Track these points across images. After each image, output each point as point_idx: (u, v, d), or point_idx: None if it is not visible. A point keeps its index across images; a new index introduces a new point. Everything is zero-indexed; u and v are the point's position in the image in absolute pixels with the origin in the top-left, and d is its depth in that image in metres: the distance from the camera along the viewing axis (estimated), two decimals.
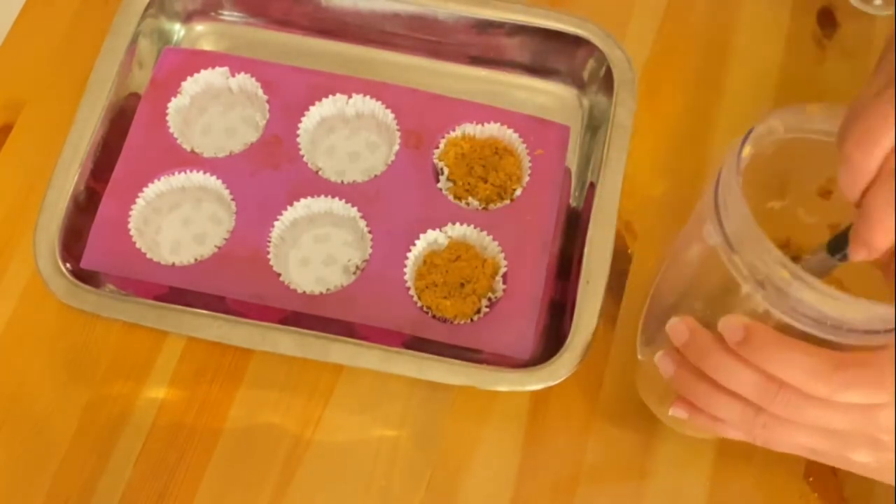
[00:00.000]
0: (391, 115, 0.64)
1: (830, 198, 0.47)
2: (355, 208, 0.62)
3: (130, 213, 0.61)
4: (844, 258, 0.43)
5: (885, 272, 0.46)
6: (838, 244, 0.43)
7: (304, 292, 0.59)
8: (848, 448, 0.44)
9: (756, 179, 0.43)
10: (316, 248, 0.63)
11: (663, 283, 0.53)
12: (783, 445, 0.45)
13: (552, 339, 0.59)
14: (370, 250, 0.61)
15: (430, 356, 0.57)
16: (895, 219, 0.39)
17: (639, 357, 0.56)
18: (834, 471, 0.57)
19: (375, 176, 0.63)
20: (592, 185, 0.63)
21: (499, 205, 0.63)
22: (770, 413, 0.43)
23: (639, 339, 0.56)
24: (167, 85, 0.65)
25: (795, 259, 0.45)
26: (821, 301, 0.39)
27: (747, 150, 0.43)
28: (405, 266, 0.60)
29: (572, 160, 0.66)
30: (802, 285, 0.39)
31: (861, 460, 0.44)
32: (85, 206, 0.61)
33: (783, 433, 0.44)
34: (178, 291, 0.60)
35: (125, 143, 0.63)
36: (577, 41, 0.66)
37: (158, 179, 0.62)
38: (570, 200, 0.65)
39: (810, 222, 0.48)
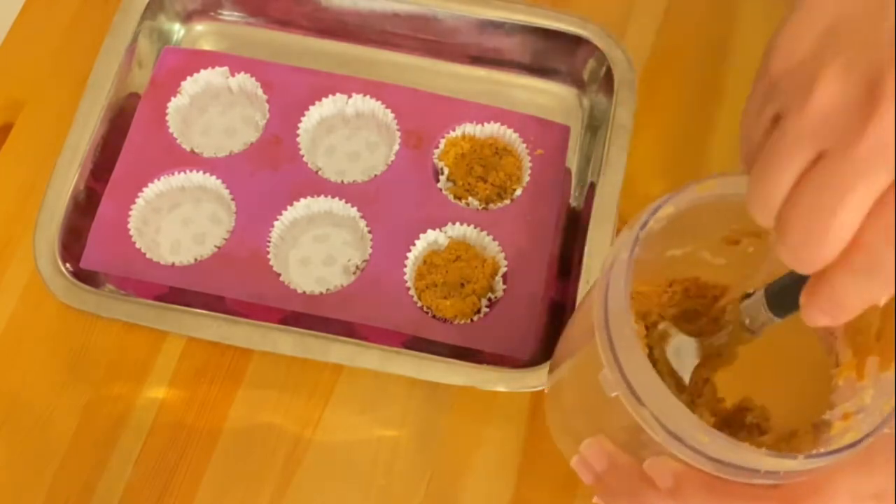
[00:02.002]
0: (391, 115, 0.64)
1: (739, 245, 0.42)
2: (355, 208, 0.62)
3: (130, 212, 0.61)
4: (787, 315, 0.38)
5: (821, 336, 0.43)
6: (782, 302, 0.37)
7: (304, 292, 0.59)
8: None
9: (653, 240, 0.38)
10: (316, 248, 0.63)
11: (568, 343, 0.47)
12: None
13: (552, 339, 0.59)
14: (370, 250, 0.61)
15: (430, 356, 0.57)
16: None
17: (545, 391, 0.51)
18: None
19: (375, 176, 0.63)
20: (592, 185, 0.63)
21: (499, 205, 0.63)
22: None
23: (547, 372, 0.51)
24: (167, 85, 0.65)
25: (714, 321, 0.41)
26: (750, 460, 0.35)
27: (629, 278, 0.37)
28: (405, 266, 0.60)
29: (572, 160, 0.66)
30: (722, 446, 0.35)
31: None
32: (85, 206, 0.61)
33: None
34: (177, 291, 0.60)
35: (125, 142, 0.63)
36: (577, 41, 0.66)
37: (158, 179, 0.62)
38: (570, 200, 0.65)
39: (718, 263, 0.43)
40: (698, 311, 0.44)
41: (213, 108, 0.67)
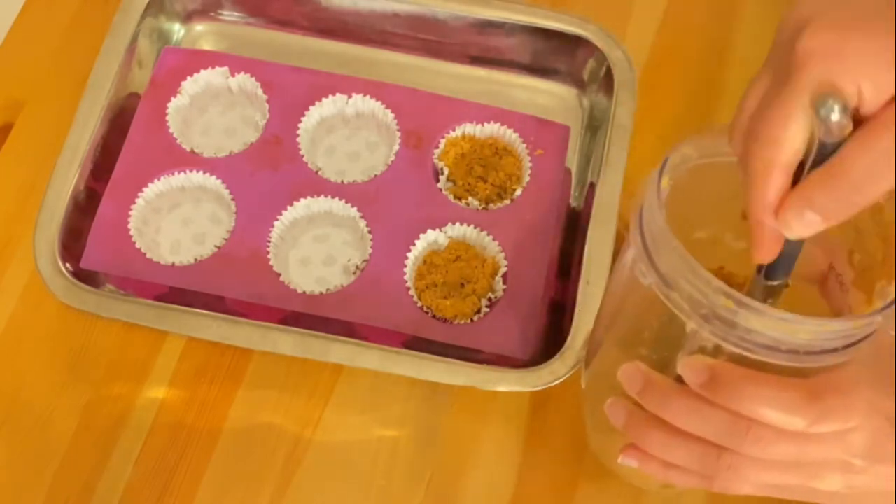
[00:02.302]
0: (391, 115, 0.64)
1: None
2: (355, 208, 0.62)
3: (130, 213, 0.61)
4: (779, 280, 0.40)
5: (822, 290, 0.45)
6: (771, 267, 0.40)
7: (304, 292, 0.59)
8: (818, 478, 0.41)
9: (678, 212, 0.40)
10: (316, 248, 0.63)
11: (603, 318, 0.50)
12: (746, 487, 0.42)
13: (552, 339, 0.59)
14: (370, 250, 0.61)
15: (430, 356, 0.57)
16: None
17: (582, 386, 0.53)
18: None
19: (375, 176, 0.63)
20: (592, 185, 0.63)
21: (499, 205, 0.63)
22: (736, 453, 0.41)
23: (583, 366, 0.53)
24: (167, 85, 0.65)
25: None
26: (770, 326, 0.37)
27: (665, 182, 0.40)
28: (405, 266, 0.60)
29: (572, 160, 0.66)
30: (749, 312, 0.37)
31: (831, 489, 0.42)
32: (85, 206, 0.61)
33: (750, 473, 0.41)
34: (177, 291, 0.60)
35: (125, 142, 0.63)
36: (577, 41, 0.66)
37: (158, 179, 0.62)
38: (570, 200, 0.65)
39: (740, 247, 0.44)
40: None
41: (213, 108, 0.67)
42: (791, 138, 0.36)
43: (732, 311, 0.37)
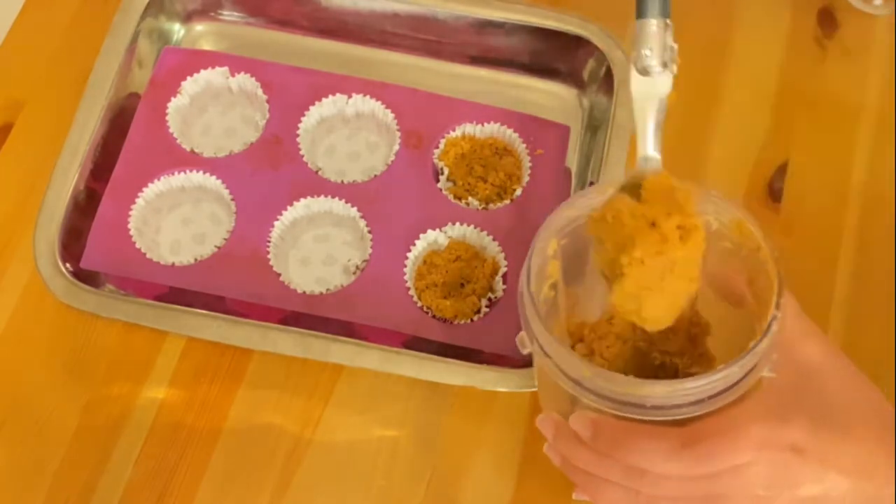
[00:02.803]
0: (391, 115, 0.64)
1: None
2: (355, 208, 0.62)
3: (130, 213, 0.61)
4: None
5: (737, 305, 0.47)
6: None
7: (304, 292, 0.59)
8: None
9: (606, 244, 0.45)
10: (316, 248, 0.63)
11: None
12: None
13: None
14: (370, 250, 0.61)
15: (430, 356, 0.57)
16: None
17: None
18: None
19: (375, 176, 0.63)
20: (592, 185, 0.63)
21: (499, 205, 0.63)
22: (646, 493, 0.44)
23: None
24: (167, 85, 0.65)
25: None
26: (624, 390, 0.41)
27: (553, 246, 0.46)
28: (405, 266, 0.60)
29: (572, 160, 0.66)
30: (604, 380, 0.42)
31: None
32: (85, 206, 0.61)
33: None
34: (177, 291, 0.60)
35: (125, 143, 0.63)
36: (577, 41, 0.66)
37: (158, 179, 0.62)
38: None
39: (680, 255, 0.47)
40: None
41: (213, 108, 0.67)
42: None
43: (591, 379, 0.42)
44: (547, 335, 0.43)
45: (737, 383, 0.41)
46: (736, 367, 0.41)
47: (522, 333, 0.45)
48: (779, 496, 0.43)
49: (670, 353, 0.49)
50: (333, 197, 0.62)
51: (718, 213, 0.45)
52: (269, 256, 0.60)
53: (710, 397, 0.41)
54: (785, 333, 0.43)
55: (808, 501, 0.43)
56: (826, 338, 0.46)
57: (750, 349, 0.41)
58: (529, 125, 0.64)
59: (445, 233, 0.62)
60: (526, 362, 0.58)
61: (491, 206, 0.63)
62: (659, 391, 0.41)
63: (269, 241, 0.61)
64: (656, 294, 0.43)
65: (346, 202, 0.62)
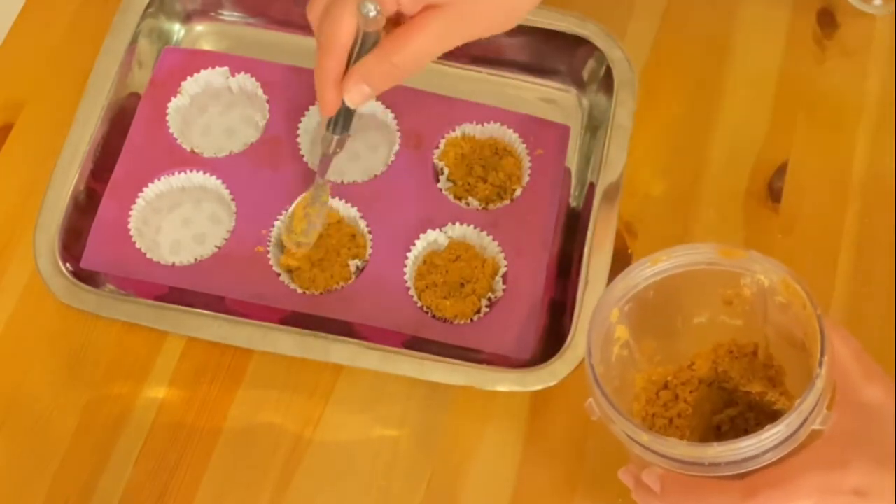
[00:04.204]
0: (391, 115, 0.64)
1: (734, 302, 0.50)
2: (355, 208, 0.62)
3: (130, 213, 0.61)
4: (340, 134, 0.57)
5: (803, 351, 0.48)
6: (334, 123, 0.57)
7: (304, 292, 0.59)
8: None
9: (667, 310, 0.49)
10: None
11: None
12: None
13: (552, 339, 0.59)
14: (370, 250, 0.61)
15: (430, 356, 0.57)
16: None
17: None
18: None
19: (375, 176, 0.63)
20: (592, 185, 0.63)
21: (499, 205, 0.63)
22: None
23: None
24: (167, 85, 0.65)
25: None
26: (682, 452, 0.44)
27: (615, 315, 0.48)
28: (405, 266, 0.60)
29: (572, 160, 0.66)
30: (664, 444, 0.44)
31: None
32: (85, 207, 0.61)
33: None
34: (177, 291, 0.60)
35: (125, 143, 0.63)
36: (577, 41, 0.66)
37: (158, 179, 0.62)
38: (570, 200, 0.65)
39: (735, 325, 0.51)
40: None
41: (213, 108, 0.67)
42: (346, 24, 0.51)
43: (652, 444, 0.44)
44: (608, 406, 0.45)
45: (787, 439, 0.43)
46: (782, 426, 0.42)
47: (591, 400, 0.47)
48: None
49: (752, 393, 0.51)
50: (333, 197, 0.62)
51: (766, 271, 0.47)
52: (269, 256, 0.60)
53: (763, 453, 0.43)
54: (847, 377, 0.45)
55: None
56: (888, 377, 0.47)
57: (794, 408, 0.42)
58: (529, 125, 0.64)
59: (445, 233, 0.62)
60: (526, 362, 0.58)
61: (491, 206, 0.63)
62: (710, 454, 0.43)
63: (269, 241, 0.61)
64: None
65: (346, 202, 0.62)
